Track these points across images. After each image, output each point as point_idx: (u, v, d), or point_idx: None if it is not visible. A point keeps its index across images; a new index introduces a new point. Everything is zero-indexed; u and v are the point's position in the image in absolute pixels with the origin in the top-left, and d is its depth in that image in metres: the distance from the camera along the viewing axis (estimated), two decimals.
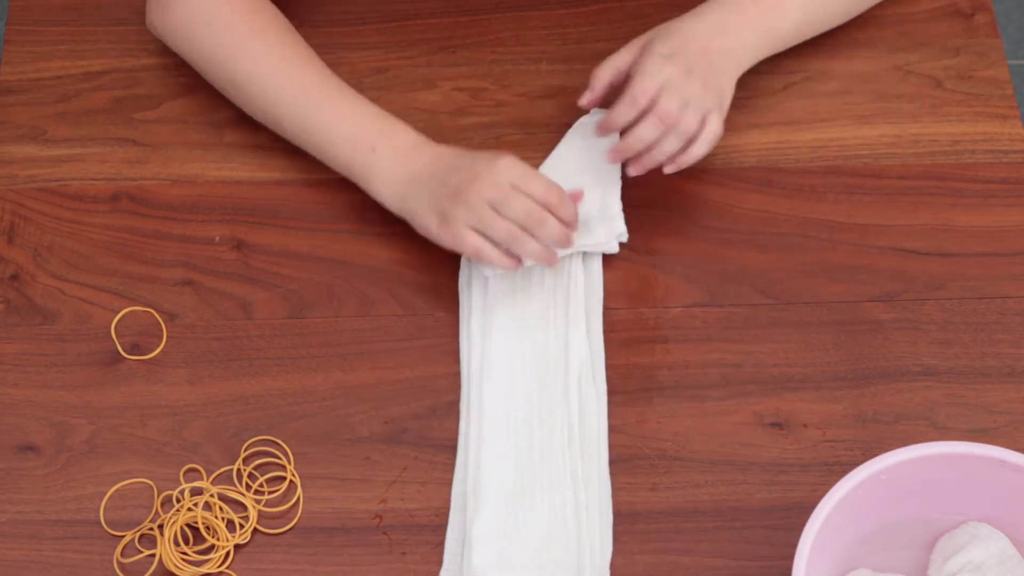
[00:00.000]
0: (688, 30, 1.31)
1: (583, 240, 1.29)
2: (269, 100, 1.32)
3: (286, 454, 1.25)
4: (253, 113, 1.34)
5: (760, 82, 1.40)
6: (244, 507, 1.22)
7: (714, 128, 1.29)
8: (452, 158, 1.28)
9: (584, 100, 1.33)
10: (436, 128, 1.36)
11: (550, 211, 1.25)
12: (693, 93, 1.28)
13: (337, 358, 1.28)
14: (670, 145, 1.28)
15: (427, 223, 1.27)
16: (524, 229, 1.24)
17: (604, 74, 1.32)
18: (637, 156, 1.29)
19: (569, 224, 1.26)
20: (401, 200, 1.29)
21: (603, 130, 1.30)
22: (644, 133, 1.28)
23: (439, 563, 1.20)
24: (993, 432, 1.25)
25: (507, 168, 1.25)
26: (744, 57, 1.33)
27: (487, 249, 1.24)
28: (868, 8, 1.41)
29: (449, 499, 1.22)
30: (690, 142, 1.29)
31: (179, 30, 1.35)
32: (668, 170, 1.30)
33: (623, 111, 1.28)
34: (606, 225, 1.30)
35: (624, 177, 1.33)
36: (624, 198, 1.34)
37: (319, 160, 1.33)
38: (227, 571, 1.20)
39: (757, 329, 1.30)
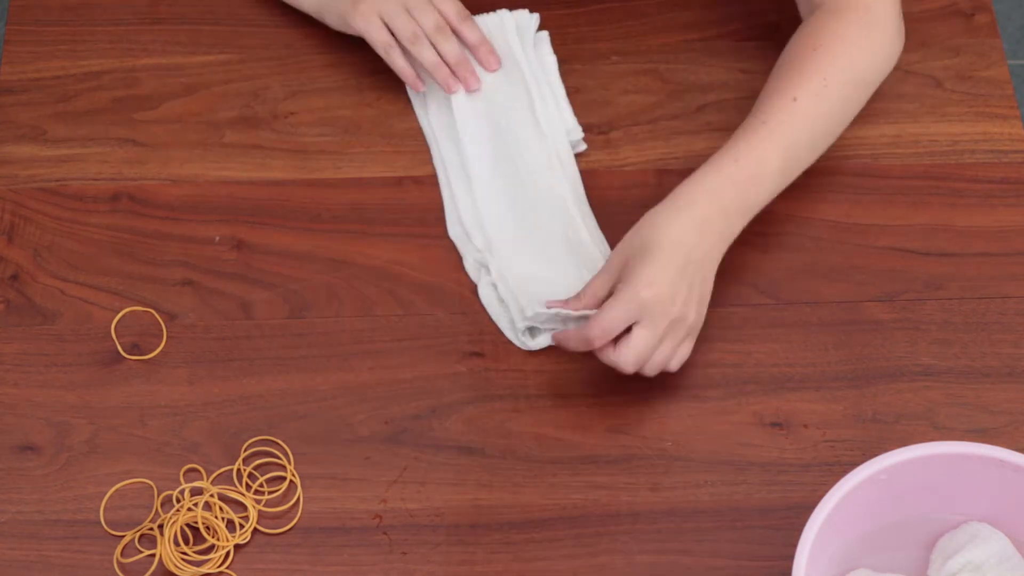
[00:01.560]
0: (663, 239, 1.22)
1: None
2: None
3: (286, 454, 1.25)
4: None
5: (760, 82, 1.39)
6: (244, 507, 1.22)
7: (682, 354, 1.25)
8: None
9: (559, 305, 1.26)
10: None
11: (455, 31, 1.36)
12: (677, 328, 1.23)
13: (337, 358, 1.28)
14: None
15: (341, 7, 1.35)
16: (427, 36, 1.35)
17: (584, 304, 1.24)
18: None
19: (474, 46, 1.36)
20: None
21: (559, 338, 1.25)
22: (570, 337, 1.23)
23: (439, 563, 1.20)
24: (993, 432, 1.25)
25: None
26: (722, 250, 1.25)
27: (393, 46, 1.36)
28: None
29: (449, 499, 1.22)
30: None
31: None
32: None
33: (575, 346, 1.23)
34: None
35: (622, 178, 1.33)
36: (624, 198, 1.34)
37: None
38: (227, 571, 1.20)
39: (757, 329, 1.30)
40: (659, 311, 1.21)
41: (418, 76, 1.37)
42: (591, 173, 1.36)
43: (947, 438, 1.24)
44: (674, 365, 1.25)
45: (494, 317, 1.29)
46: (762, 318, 1.30)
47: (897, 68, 1.40)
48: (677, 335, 1.23)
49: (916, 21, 1.43)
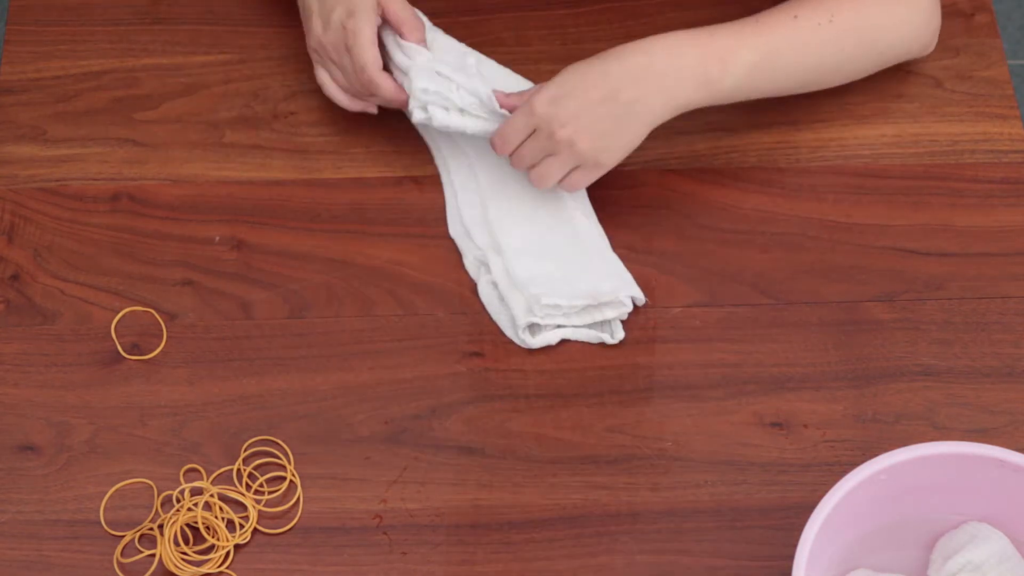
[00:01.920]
0: (599, 70, 1.25)
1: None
2: None
3: (286, 454, 1.25)
4: None
5: None
6: (244, 507, 1.22)
7: (575, 181, 1.28)
8: None
9: (499, 97, 1.31)
10: None
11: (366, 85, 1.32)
12: (563, 149, 1.25)
13: (337, 358, 1.28)
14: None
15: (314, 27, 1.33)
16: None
17: (507, 102, 1.29)
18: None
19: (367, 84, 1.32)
20: None
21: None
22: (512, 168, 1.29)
23: (439, 563, 1.20)
24: (993, 432, 1.25)
25: (351, 33, 1.30)
26: (663, 108, 1.26)
27: (328, 81, 1.35)
28: (830, 87, 1.36)
29: (449, 499, 1.22)
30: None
31: None
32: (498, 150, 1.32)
33: (493, 146, 1.30)
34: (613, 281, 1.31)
35: (621, 188, 1.33)
36: (624, 198, 1.34)
37: None
38: (227, 571, 1.20)
39: (757, 329, 1.30)
40: (545, 128, 1.25)
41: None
42: None
43: (947, 438, 1.24)
44: (567, 187, 1.28)
45: (494, 315, 1.29)
46: (762, 318, 1.30)
47: (897, 68, 1.40)
48: (564, 159, 1.26)
49: None
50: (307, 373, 1.28)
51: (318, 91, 1.39)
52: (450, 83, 1.29)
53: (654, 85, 1.25)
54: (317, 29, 1.32)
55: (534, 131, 1.27)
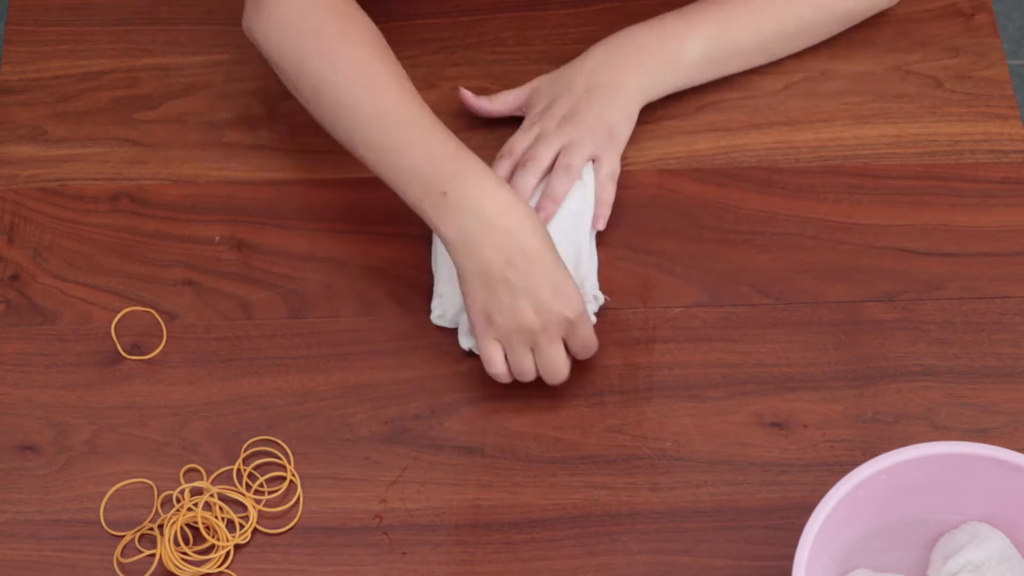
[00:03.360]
0: (574, 71, 1.34)
1: None
2: (344, 115, 1.25)
3: (286, 454, 1.25)
4: (334, 132, 1.27)
5: (760, 82, 1.40)
6: (244, 507, 1.22)
7: (610, 166, 1.32)
8: (522, 258, 1.20)
9: (469, 101, 1.36)
10: None
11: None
12: (572, 136, 1.30)
13: (337, 358, 1.28)
14: (559, 185, 1.29)
15: (474, 316, 1.21)
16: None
17: (495, 108, 1.36)
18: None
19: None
20: (464, 259, 1.21)
21: None
22: (520, 181, 1.29)
23: (439, 563, 1.20)
24: (993, 432, 1.25)
25: (575, 326, 1.22)
26: (635, 90, 1.34)
27: (504, 376, 1.23)
28: (796, 52, 1.40)
29: (449, 499, 1.22)
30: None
31: (272, 32, 1.27)
32: (598, 226, 1.31)
33: (499, 166, 1.31)
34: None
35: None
36: (624, 198, 1.34)
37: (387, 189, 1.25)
38: (227, 571, 1.20)
39: (757, 329, 1.30)
40: (545, 124, 1.31)
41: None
42: None
43: (947, 438, 1.24)
44: (603, 184, 1.31)
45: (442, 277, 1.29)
46: (762, 318, 1.30)
47: (897, 68, 1.40)
48: (585, 141, 1.30)
49: (916, 21, 1.43)
50: (307, 373, 1.28)
51: None
52: None
53: (624, 69, 1.32)
54: (526, 317, 1.20)
55: (537, 137, 1.32)
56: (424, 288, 1.31)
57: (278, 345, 1.29)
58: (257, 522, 1.22)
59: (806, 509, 1.10)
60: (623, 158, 1.36)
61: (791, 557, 1.07)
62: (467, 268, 1.20)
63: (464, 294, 1.21)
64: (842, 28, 1.40)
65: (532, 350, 1.21)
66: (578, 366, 1.27)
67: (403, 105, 1.24)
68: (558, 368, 1.22)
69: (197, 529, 1.21)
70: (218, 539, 1.20)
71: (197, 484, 1.23)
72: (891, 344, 1.29)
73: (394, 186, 1.23)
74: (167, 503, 1.23)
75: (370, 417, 1.26)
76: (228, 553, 1.20)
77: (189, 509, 1.21)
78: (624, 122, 1.33)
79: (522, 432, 1.25)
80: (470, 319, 1.21)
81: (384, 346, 1.29)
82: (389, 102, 1.23)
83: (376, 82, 1.24)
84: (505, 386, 1.26)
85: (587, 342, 1.23)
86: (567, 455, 1.24)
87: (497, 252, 1.19)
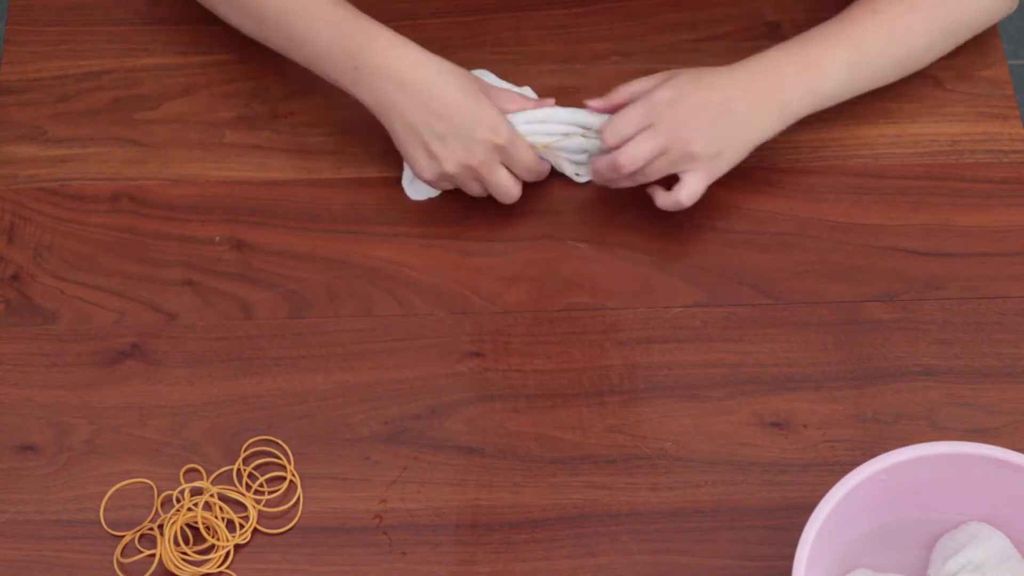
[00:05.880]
0: (709, 79, 1.29)
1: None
2: (269, 16, 1.33)
3: (286, 454, 1.25)
4: (267, 39, 1.35)
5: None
6: (244, 507, 1.22)
7: (691, 189, 1.29)
8: (440, 104, 1.28)
9: (592, 103, 1.33)
10: None
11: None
12: (677, 145, 1.27)
13: (337, 358, 1.28)
14: (623, 184, 1.30)
15: (417, 168, 1.30)
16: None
17: (618, 97, 1.32)
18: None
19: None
20: (388, 120, 1.30)
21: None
22: (599, 167, 1.29)
23: (439, 563, 1.20)
24: (993, 432, 1.25)
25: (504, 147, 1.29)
26: (765, 129, 1.30)
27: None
28: (924, 67, 1.37)
29: (449, 499, 1.22)
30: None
31: None
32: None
33: (605, 167, 1.30)
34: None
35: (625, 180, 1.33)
36: (624, 198, 1.34)
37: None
38: (227, 571, 1.20)
39: (757, 329, 1.30)
40: (665, 123, 1.27)
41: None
42: None
43: (947, 438, 1.24)
44: (684, 197, 1.29)
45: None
46: (762, 318, 1.30)
47: None
48: (674, 159, 1.27)
49: None
50: (307, 373, 1.28)
51: (318, 91, 1.39)
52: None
53: (762, 99, 1.29)
54: (458, 156, 1.28)
55: (649, 126, 1.28)
56: (424, 289, 1.31)
57: (278, 345, 1.29)
58: (257, 522, 1.22)
59: (806, 509, 1.10)
60: None
61: (791, 557, 1.07)
62: (394, 128, 1.29)
63: (402, 152, 1.30)
64: (970, 36, 1.38)
65: (479, 182, 1.30)
66: (578, 366, 1.27)
67: None
68: (507, 190, 1.31)
69: (197, 529, 1.21)
70: (218, 539, 1.20)
71: (197, 484, 1.23)
72: (891, 344, 1.29)
73: (316, 71, 1.32)
74: (167, 503, 1.23)
75: (370, 417, 1.26)
76: (228, 553, 1.20)
77: (189, 509, 1.21)
78: (736, 155, 1.30)
79: (522, 432, 1.25)
80: (414, 171, 1.31)
81: (384, 346, 1.29)
82: None
83: None
84: (505, 386, 1.26)
85: (527, 163, 1.31)
86: (567, 455, 1.24)
87: (416, 107, 1.27)
